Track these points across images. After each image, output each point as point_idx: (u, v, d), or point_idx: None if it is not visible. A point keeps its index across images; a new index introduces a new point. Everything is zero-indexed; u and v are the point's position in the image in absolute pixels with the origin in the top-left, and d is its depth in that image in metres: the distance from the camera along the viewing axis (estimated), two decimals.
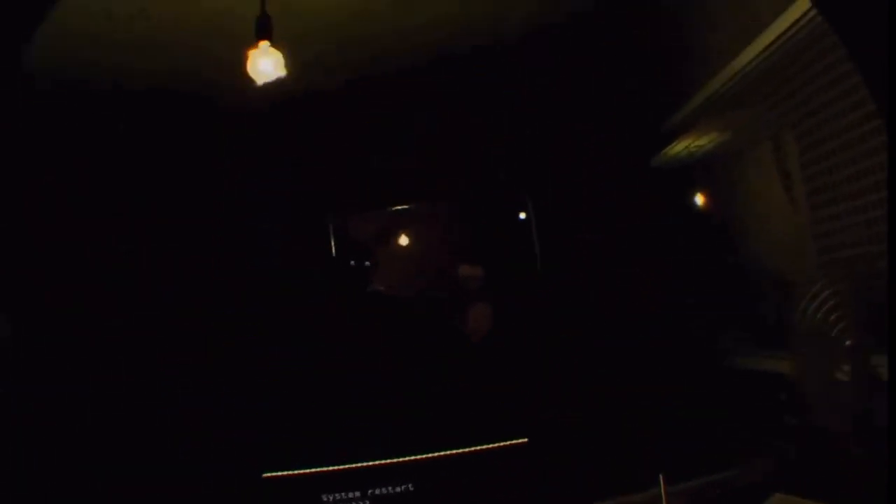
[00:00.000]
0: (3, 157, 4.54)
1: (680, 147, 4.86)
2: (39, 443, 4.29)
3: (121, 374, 4.82)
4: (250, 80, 3.64)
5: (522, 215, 5.93)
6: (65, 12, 3.76)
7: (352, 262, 5.96)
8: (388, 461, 4.10)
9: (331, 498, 4.07)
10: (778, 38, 3.31)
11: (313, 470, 4.18)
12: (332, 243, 5.84)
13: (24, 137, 4.70)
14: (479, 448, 4.03)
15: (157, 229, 5.36)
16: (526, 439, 4.02)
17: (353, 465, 4.17)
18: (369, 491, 4.08)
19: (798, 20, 3.11)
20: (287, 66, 3.63)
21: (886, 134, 1.88)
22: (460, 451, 4.05)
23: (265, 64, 3.66)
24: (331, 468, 4.19)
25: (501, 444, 4.02)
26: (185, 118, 5.36)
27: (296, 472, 4.21)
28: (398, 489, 4.09)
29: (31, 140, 4.84)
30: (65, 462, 4.39)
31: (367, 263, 5.99)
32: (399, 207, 6.08)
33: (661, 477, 2.61)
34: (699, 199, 5.13)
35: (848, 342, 2.42)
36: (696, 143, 4.75)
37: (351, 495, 4.08)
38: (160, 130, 5.41)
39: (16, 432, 4.03)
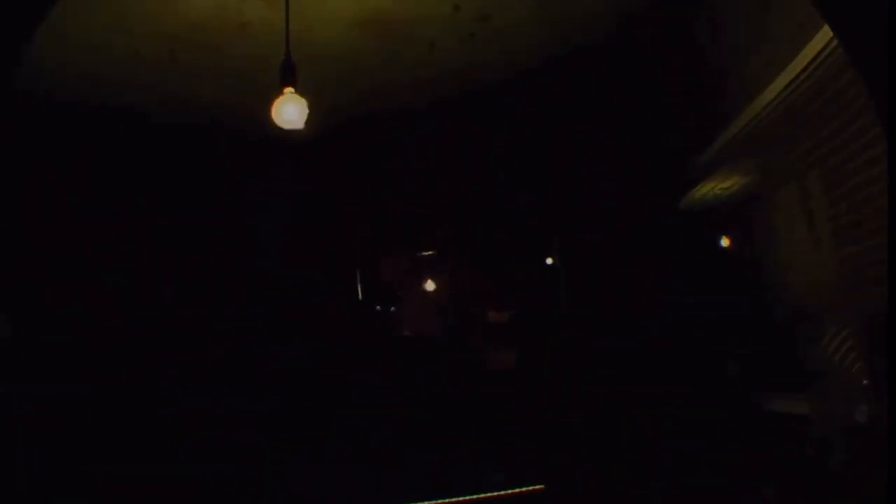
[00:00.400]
0: (5, 157, 4.59)
1: (706, 189, 4.81)
2: (39, 443, 4.27)
3: (121, 374, 4.80)
4: (275, 126, 3.72)
5: (549, 260, 5.91)
6: (93, 47, 3.94)
7: (378, 308, 6.00)
8: None
9: None
10: (797, 76, 3.30)
11: None
12: (359, 288, 5.87)
13: (27, 140, 4.79)
14: (497, 494, 3.94)
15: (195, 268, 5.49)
16: (542, 485, 3.94)
17: None
18: None
19: (815, 58, 3.11)
20: (310, 112, 3.71)
21: (885, 136, 1.83)
22: (478, 496, 3.97)
23: (289, 110, 3.76)
24: None
25: (519, 490, 3.94)
26: (209, 162, 5.52)
27: None
28: None
29: (34, 143, 4.92)
30: (65, 462, 4.36)
31: (393, 309, 6.03)
32: (426, 253, 6.12)
33: None
34: (725, 241, 5.04)
35: (865, 382, 2.32)
36: (722, 184, 4.70)
37: None
38: (181, 171, 5.57)
39: (16, 432, 4.04)
